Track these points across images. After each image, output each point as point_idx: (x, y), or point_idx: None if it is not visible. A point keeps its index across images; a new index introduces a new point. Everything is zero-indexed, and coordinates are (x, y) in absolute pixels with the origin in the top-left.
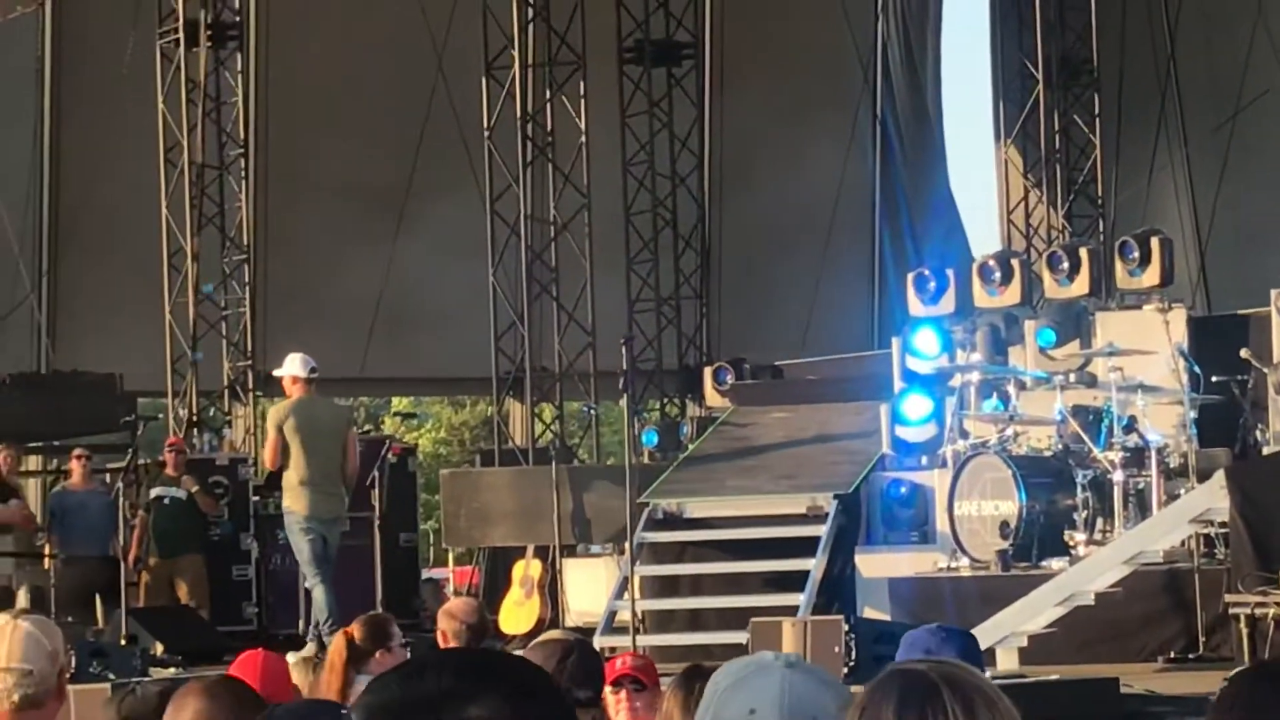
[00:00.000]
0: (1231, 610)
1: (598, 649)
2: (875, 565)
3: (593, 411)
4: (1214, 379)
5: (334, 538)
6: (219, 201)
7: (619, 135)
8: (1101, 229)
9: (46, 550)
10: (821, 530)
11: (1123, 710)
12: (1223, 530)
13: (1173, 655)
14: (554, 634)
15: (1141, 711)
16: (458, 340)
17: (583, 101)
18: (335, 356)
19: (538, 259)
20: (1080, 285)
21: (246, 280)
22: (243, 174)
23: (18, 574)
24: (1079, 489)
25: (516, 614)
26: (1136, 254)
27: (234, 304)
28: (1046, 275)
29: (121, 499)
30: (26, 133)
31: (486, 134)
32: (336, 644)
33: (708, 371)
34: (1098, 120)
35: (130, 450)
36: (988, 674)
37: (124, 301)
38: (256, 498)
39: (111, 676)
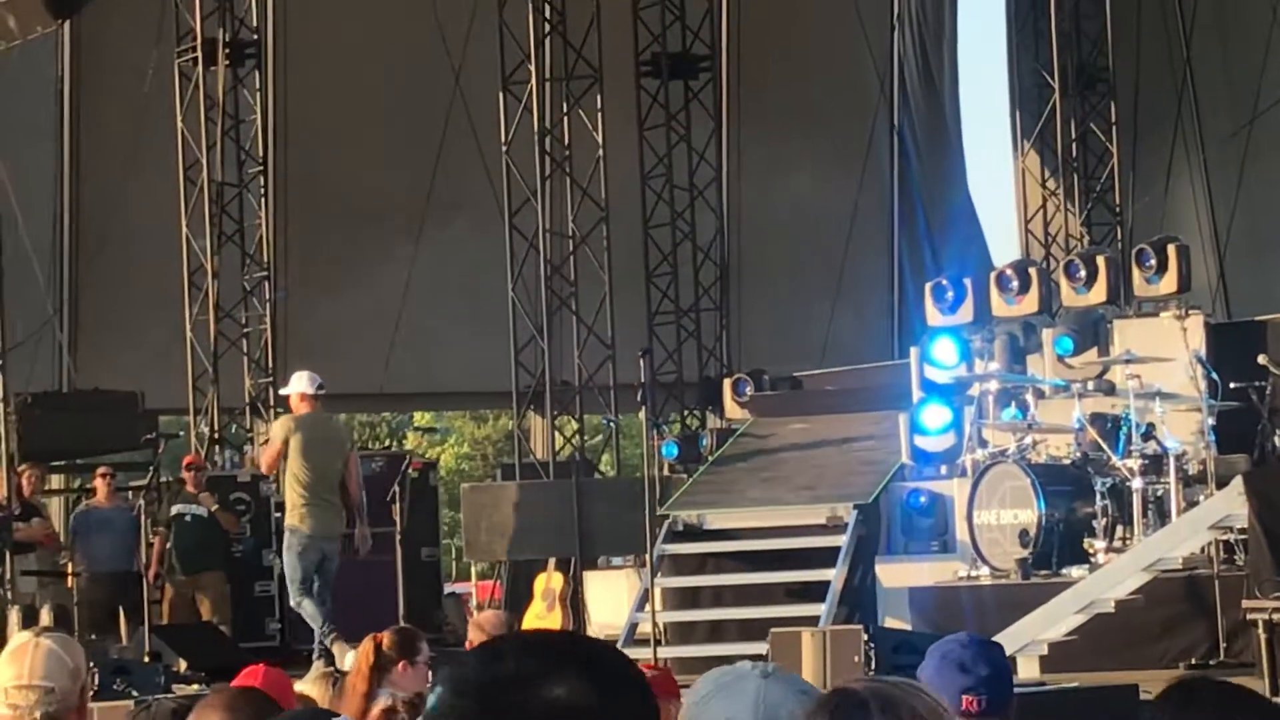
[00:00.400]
0: (1250, 616)
1: None
2: (895, 575)
3: (613, 424)
4: (1232, 385)
5: (334, 555)
6: (239, 219)
7: (637, 148)
8: (1119, 236)
9: (69, 568)
10: (841, 540)
11: (1143, 717)
12: (1242, 537)
13: (1194, 662)
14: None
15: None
16: (478, 355)
17: (600, 115)
18: (356, 372)
19: (556, 273)
20: (1098, 293)
21: (267, 297)
22: (262, 191)
23: (41, 592)
24: (1098, 497)
25: (539, 627)
26: (1153, 261)
27: (254, 321)
28: (1064, 284)
29: (143, 516)
30: (47, 152)
31: (504, 148)
32: (364, 649)
33: (727, 383)
34: (1115, 128)
35: (152, 468)
36: None
37: (145, 319)
38: (279, 514)
39: (134, 694)
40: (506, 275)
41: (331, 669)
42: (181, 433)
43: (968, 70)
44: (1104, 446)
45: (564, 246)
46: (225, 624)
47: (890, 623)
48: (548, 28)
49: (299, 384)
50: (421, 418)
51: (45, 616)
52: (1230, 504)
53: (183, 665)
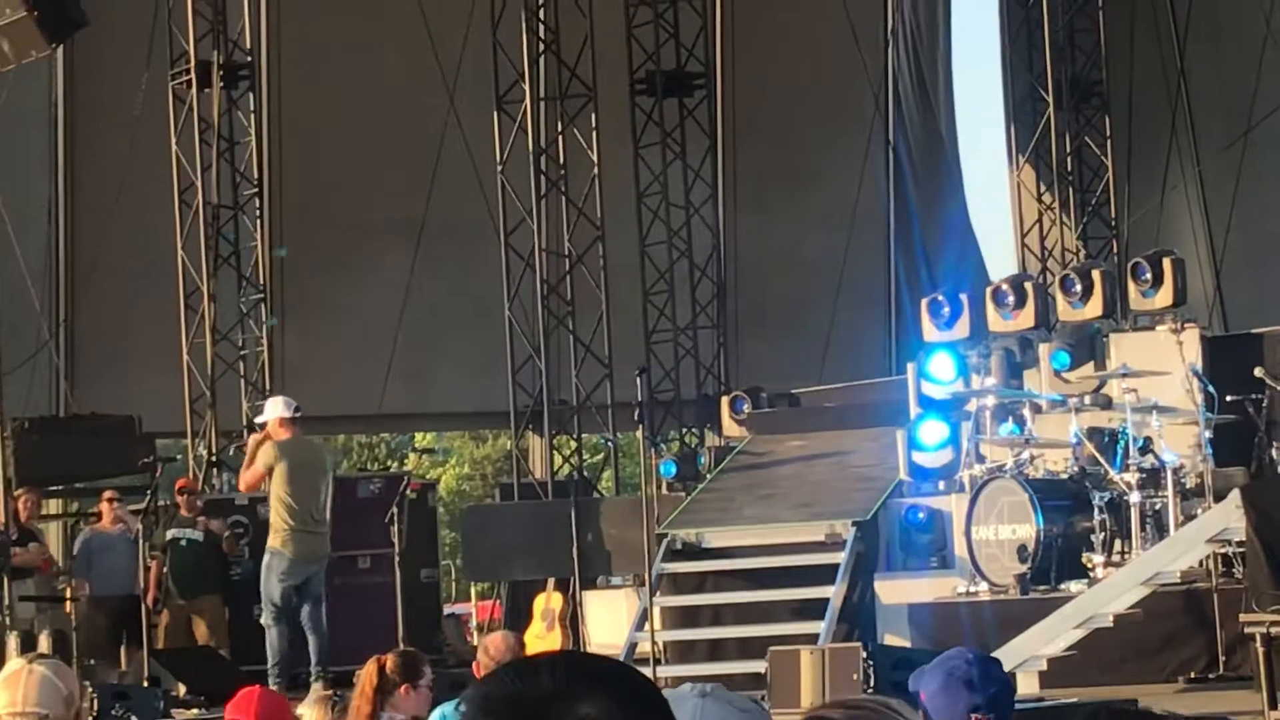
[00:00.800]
0: (1247, 630)
1: None
2: (894, 591)
3: (611, 443)
4: (1228, 398)
5: (319, 578)
6: (234, 241)
7: (632, 166)
8: (1115, 250)
9: (68, 593)
10: (840, 557)
11: None
12: (1240, 550)
13: (1193, 675)
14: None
15: None
16: (475, 375)
17: (595, 133)
18: (353, 394)
19: (553, 292)
20: (1094, 307)
21: (263, 319)
22: (257, 213)
23: (39, 617)
24: (1096, 511)
25: (538, 647)
26: (1149, 275)
27: (251, 343)
28: (1060, 298)
29: (141, 540)
30: (42, 176)
31: (499, 168)
32: (368, 671)
33: (725, 401)
34: (1109, 142)
35: (149, 492)
36: None
37: (141, 343)
38: None
39: (134, 719)
40: (503, 294)
41: (330, 692)
42: (179, 456)
43: (962, 85)
44: (1101, 461)
45: (560, 265)
46: (223, 647)
47: (890, 639)
48: (541, 47)
49: (275, 409)
50: (422, 438)
51: (44, 642)
52: (1228, 517)
53: (182, 689)
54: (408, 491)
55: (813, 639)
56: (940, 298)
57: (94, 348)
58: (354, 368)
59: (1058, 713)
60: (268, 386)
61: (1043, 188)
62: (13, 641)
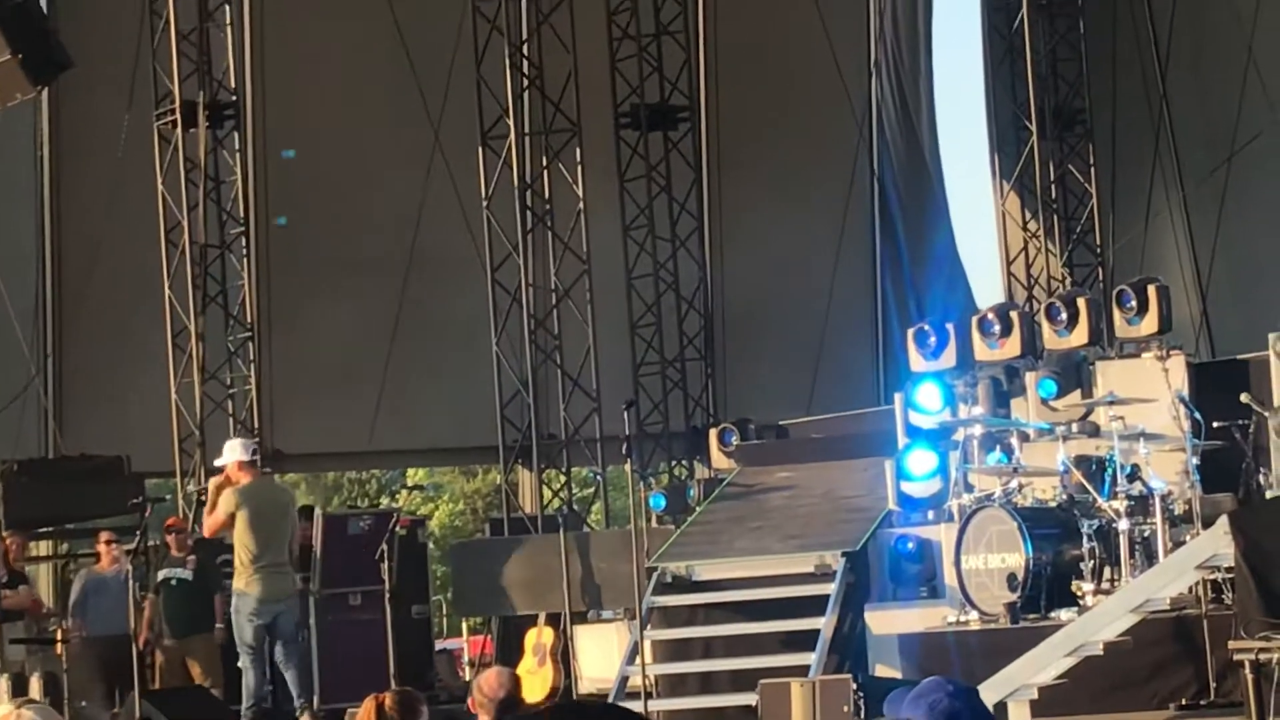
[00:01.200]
0: (1236, 656)
1: None
2: (885, 622)
3: (600, 477)
4: (1215, 424)
5: (288, 616)
6: (221, 280)
7: (617, 200)
8: (1101, 277)
9: (59, 635)
10: (830, 588)
11: None
12: (1229, 576)
13: (1184, 702)
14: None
15: None
16: (464, 410)
17: (580, 168)
18: (343, 430)
19: (540, 326)
20: (1079, 335)
21: (251, 358)
22: (244, 252)
23: (30, 660)
24: (1085, 539)
25: (530, 682)
26: (1134, 302)
27: (239, 382)
28: (1046, 326)
29: (131, 581)
30: (28, 217)
31: (485, 203)
32: (366, 709)
33: (713, 433)
34: (1093, 169)
35: (139, 532)
36: None
37: (130, 383)
38: None
39: None
40: (490, 329)
41: None
42: (169, 496)
43: (946, 114)
44: (1089, 488)
45: (547, 300)
46: (217, 686)
47: (881, 669)
48: (525, 82)
49: (234, 453)
50: (413, 474)
51: (35, 684)
52: (1216, 543)
53: None
54: (397, 528)
55: (804, 671)
56: (926, 327)
57: (82, 388)
58: (343, 404)
59: None
60: (256, 425)
61: (1028, 215)
62: (4, 684)
